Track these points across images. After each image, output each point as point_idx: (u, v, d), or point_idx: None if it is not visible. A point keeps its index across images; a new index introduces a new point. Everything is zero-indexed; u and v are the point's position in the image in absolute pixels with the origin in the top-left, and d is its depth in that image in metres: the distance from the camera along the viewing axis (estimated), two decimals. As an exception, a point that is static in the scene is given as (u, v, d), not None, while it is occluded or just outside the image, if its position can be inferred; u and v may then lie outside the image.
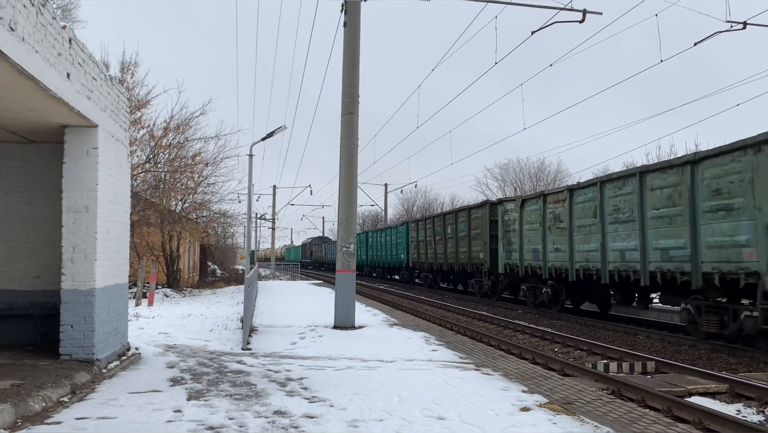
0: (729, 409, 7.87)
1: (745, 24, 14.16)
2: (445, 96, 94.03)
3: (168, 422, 5.58)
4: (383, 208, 59.97)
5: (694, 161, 12.67)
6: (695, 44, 14.80)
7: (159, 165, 23.37)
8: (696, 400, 8.21)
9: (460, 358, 9.31)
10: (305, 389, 7.03)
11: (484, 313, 19.95)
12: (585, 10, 14.04)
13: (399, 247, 37.23)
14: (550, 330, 15.33)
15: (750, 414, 7.73)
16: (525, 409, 6.15)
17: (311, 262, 67.97)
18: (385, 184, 58.90)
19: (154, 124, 22.79)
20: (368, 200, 79.82)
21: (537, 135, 78.79)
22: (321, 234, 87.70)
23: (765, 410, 7.84)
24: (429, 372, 8.11)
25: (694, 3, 16.39)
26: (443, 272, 30.97)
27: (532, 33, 15.12)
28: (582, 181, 17.92)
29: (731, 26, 14.07)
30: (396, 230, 38.46)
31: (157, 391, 6.82)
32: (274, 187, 58.05)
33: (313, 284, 34.97)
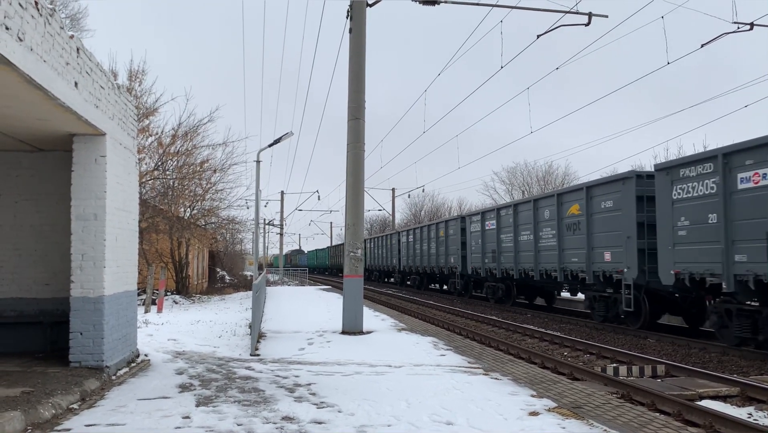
0: (740, 412, 7.82)
1: (752, 25, 14.09)
2: (451, 100, 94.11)
3: (177, 428, 5.60)
4: (391, 213, 59.96)
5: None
6: (702, 46, 14.75)
7: (167, 172, 23.47)
8: (706, 403, 8.15)
9: (469, 363, 9.29)
10: (313, 394, 7.03)
11: (493, 317, 19.92)
12: (590, 13, 14.02)
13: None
14: (559, 334, 15.26)
15: (761, 417, 7.67)
16: (534, 413, 6.13)
17: (291, 266, 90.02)
18: (393, 189, 58.90)
19: (162, 131, 22.93)
20: (376, 205, 79.82)
21: (545, 138, 78.64)
22: (329, 240, 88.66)
23: (777, 413, 7.77)
24: (437, 377, 8.10)
25: (701, 5, 16.34)
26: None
27: (538, 36, 15.10)
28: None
29: (738, 27, 14.01)
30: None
31: (166, 397, 6.84)
32: (282, 193, 58.27)
33: (321, 289, 34.99)
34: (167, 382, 7.74)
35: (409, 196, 65.00)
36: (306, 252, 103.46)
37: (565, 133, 80.00)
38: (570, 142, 78.02)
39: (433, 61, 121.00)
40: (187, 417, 5.96)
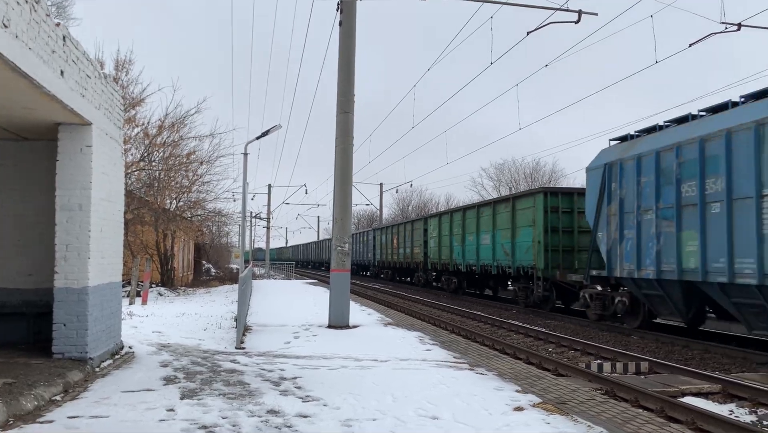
0: (722, 409, 7.90)
1: (739, 25, 14.18)
2: (441, 96, 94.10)
3: (161, 421, 5.56)
4: (379, 207, 59.97)
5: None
6: (690, 45, 14.82)
7: (153, 163, 23.28)
8: (689, 400, 8.23)
9: (455, 357, 9.31)
10: (299, 388, 7.02)
11: (479, 313, 19.98)
12: (580, 10, 14.03)
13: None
14: (544, 330, 15.35)
15: (742, 414, 7.76)
16: (519, 409, 6.16)
17: (256, 260, 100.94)
18: (381, 184, 58.87)
19: (148, 122, 22.71)
20: (363, 200, 79.96)
21: (534, 135, 78.84)
22: (316, 234, 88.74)
23: (757, 410, 7.87)
24: (423, 372, 8.11)
25: (690, 4, 16.43)
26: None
27: (528, 33, 15.12)
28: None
29: (726, 27, 14.10)
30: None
31: (151, 390, 6.80)
32: (269, 186, 57.97)
33: (307, 283, 34.97)
34: (151, 374, 7.70)
35: (396, 192, 65.06)
36: (264, 250, 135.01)
37: (554, 130, 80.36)
38: (559, 139, 78.35)
39: (423, 57, 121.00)
40: (172, 410, 5.92)
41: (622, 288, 15.75)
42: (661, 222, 13.50)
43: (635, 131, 15.57)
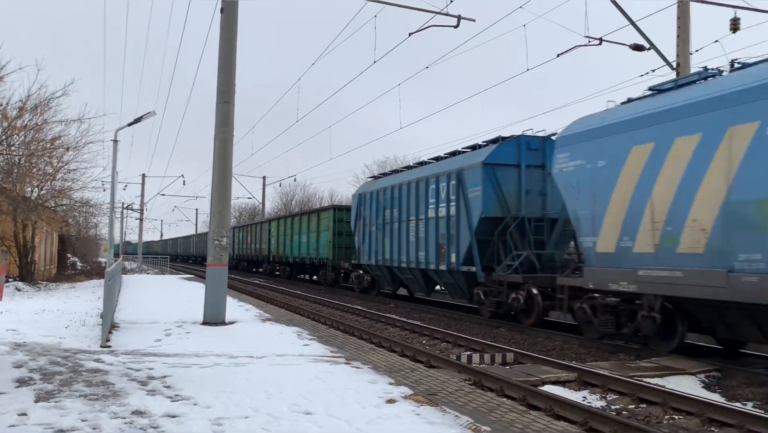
0: (576, 396, 8.53)
1: (601, 40, 15.35)
2: (326, 91, 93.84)
3: (11, 426, 5.16)
4: (261, 201, 59.00)
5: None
6: (558, 55, 15.86)
7: (12, 148, 21.42)
8: (548, 388, 8.81)
9: (332, 352, 9.37)
10: (168, 387, 6.76)
11: (358, 307, 20.23)
12: (460, 16, 14.56)
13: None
14: (419, 323, 15.81)
15: (594, 400, 8.43)
16: (391, 401, 6.31)
17: (127, 253, 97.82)
18: (264, 177, 58.04)
19: (7, 103, 20.80)
20: (245, 193, 78.30)
21: (416, 133, 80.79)
22: (194, 227, 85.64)
23: (607, 396, 8.59)
24: (300, 367, 8.10)
25: (559, 17, 17.54)
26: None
27: (410, 35, 15.50)
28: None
29: (589, 41, 15.20)
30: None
31: (1, 393, 6.28)
32: (143, 175, 55.41)
33: (183, 278, 33.78)
34: (2, 376, 7.09)
35: (280, 185, 64.56)
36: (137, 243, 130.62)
37: (434, 130, 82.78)
38: (438, 139, 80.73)
39: (309, 51, 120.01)
40: (24, 414, 5.50)
41: (366, 272, 25.13)
42: (377, 232, 22.72)
43: (378, 174, 26.25)
